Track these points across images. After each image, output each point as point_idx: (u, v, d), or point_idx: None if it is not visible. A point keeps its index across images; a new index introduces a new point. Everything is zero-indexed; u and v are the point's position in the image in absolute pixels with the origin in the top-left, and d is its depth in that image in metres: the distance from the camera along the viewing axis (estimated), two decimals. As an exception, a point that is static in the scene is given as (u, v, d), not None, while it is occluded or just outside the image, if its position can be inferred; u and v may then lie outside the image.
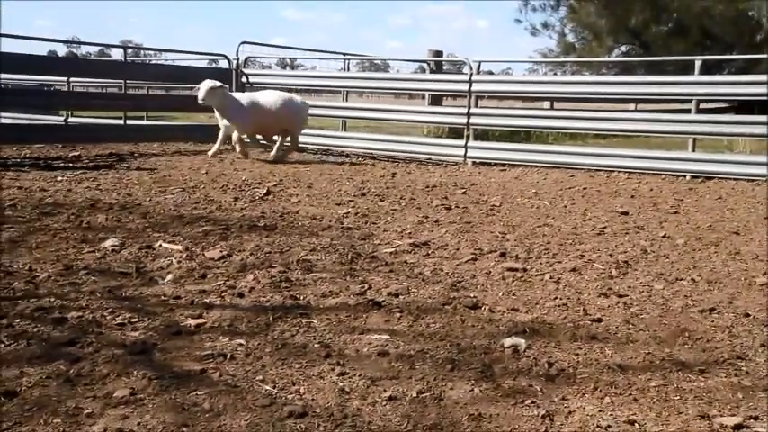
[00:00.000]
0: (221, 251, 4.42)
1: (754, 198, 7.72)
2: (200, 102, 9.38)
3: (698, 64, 9.50)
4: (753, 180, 8.86)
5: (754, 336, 3.20)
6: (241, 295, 3.58)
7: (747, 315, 3.51)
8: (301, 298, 3.57)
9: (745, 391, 2.55)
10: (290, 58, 24.37)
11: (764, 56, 15.93)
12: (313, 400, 2.40)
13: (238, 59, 12.55)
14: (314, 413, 2.29)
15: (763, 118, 9.16)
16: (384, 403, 2.38)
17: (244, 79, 12.58)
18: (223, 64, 12.84)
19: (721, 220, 6.30)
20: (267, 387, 2.48)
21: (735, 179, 8.99)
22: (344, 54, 14.34)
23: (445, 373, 2.67)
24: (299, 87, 13.87)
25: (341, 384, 2.53)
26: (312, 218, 5.76)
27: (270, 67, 19.27)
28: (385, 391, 2.48)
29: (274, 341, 2.94)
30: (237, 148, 9.94)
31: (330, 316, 3.30)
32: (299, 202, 6.59)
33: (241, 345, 2.88)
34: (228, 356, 2.75)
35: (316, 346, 2.90)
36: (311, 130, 12.98)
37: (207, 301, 3.47)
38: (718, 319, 3.45)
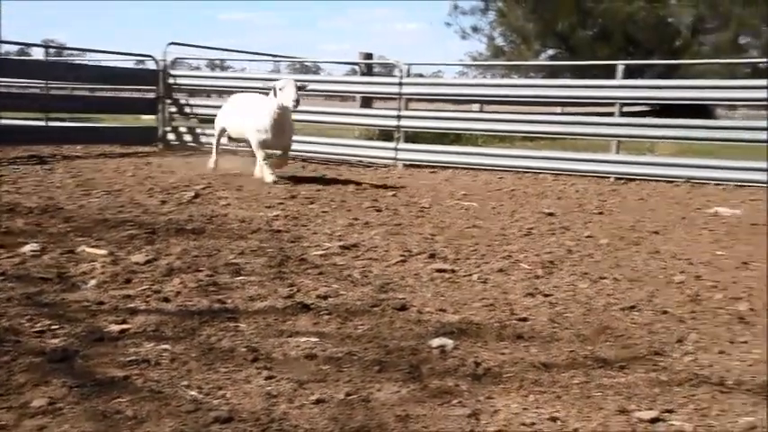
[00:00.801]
0: (147, 255, 4.33)
1: (674, 199, 7.97)
2: (296, 106, 7.70)
3: (621, 68, 9.76)
4: (672, 181, 9.14)
5: (671, 332, 3.31)
6: (167, 300, 3.51)
7: (666, 312, 3.62)
8: (229, 302, 3.53)
9: (662, 386, 2.63)
10: (219, 60, 24.05)
11: (683, 61, 16.52)
12: (239, 404, 2.37)
13: (165, 60, 12.34)
14: (240, 418, 2.27)
15: (682, 121, 9.48)
16: (311, 406, 2.38)
17: (171, 80, 12.37)
18: (150, 65, 12.58)
19: (642, 220, 6.48)
20: (192, 392, 2.45)
21: (656, 180, 9.27)
22: (275, 56, 14.26)
23: (373, 374, 2.68)
24: (229, 89, 13.72)
25: (268, 388, 2.51)
26: (241, 221, 5.70)
27: (199, 69, 19.01)
28: (312, 393, 2.47)
29: (201, 346, 2.90)
30: (269, 176, 8.21)
31: (258, 319, 3.27)
32: (228, 204, 6.51)
33: (166, 350, 2.83)
34: (153, 362, 2.70)
35: (243, 350, 2.87)
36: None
37: (131, 306, 3.40)
38: (638, 317, 3.55)
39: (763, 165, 8.88)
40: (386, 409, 2.38)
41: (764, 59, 18.64)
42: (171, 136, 12.47)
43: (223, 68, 27.88)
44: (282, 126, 8.10)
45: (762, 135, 9.15)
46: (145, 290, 3.65)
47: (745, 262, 4.80)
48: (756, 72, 18.03)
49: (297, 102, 7.63)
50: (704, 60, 18.04)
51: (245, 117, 8.41)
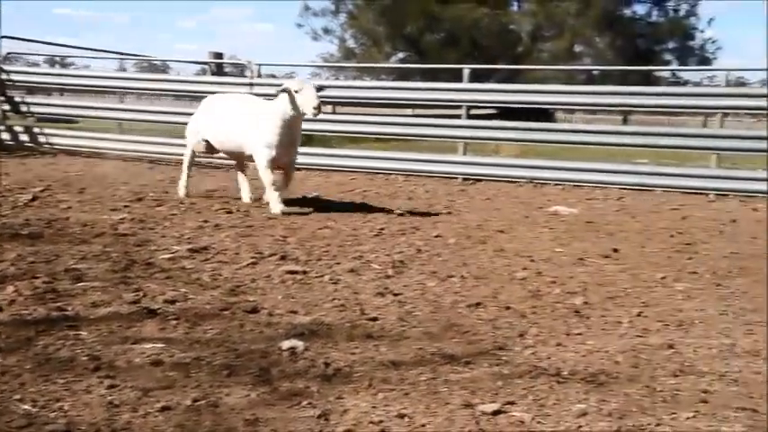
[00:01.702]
0: (-23, 262, 4.06)
1: (518, 198, 8.33)
2: (317, 114, 6.31)
3: (467, 72, 10.09)
4: (516, 182, 9.55)
5: (514, 327, 3.45)
6: (-1, 309, 3.31)
7: (509, 308, 3.77)
8: (69, 309, 3.36)
9: (504, 379, 2.74)
10: (59, 56, 22.88)
11: (525, 67, 17.31)
12: (78, 416, 2.27)
13: (-3, 55, 11.59)
14: (78, 430, 2.17)
15: (524, 124, 9.92)
16: (156, 414, 2.31)
17: (4, 76, 11.63)
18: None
19: (489, 219, 6.72)
20: (26, 406, 2.31)
21: (501, 181, 9.64)
22: (121, 53, 13.72)
23: (222, 379, 2.63)
24: (71, 87, 13.09)
25: (110, 397, 2.41)
26: (83, 224, 5.44)
27: (38, 65, 18.03)
28: (158, 401, 2.39)
29: (36, 356, 2.74)
30: (277, 205, 6.52)
31: (101, 327, 3.14)
32: (70, 208, 6.21)
33: (-3, 363, 2.66)
34: (-18, 376, 2.53)
35: (84, 359, 2.75)
36: (84, 132, 12.31)
37: (-41, 317, 3.17)
38: (483, 313, 3.68)
39: (592, 166, 9.48)
40: (235, 413, 2.35)
41: (596, 67, 19.84)
42: (5, 135, 11.73)
43: (64, 65, 26.56)
44: (294, 139, 6.67)
45: (597, 138, 9.78)
46: (-26, 299, 3.42)
47: (580, 258, 5.08)
48: (590, 79, 19.18)
49: (319, 109, 6.24)
50: (544, 66, 18.94)
51: (245, 127, 6.73)
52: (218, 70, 12.76)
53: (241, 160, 7.24)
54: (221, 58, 13.06)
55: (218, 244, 5.02)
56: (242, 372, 2.71)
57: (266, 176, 6.54)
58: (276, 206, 6.47)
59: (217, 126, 7.04)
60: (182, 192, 7.32)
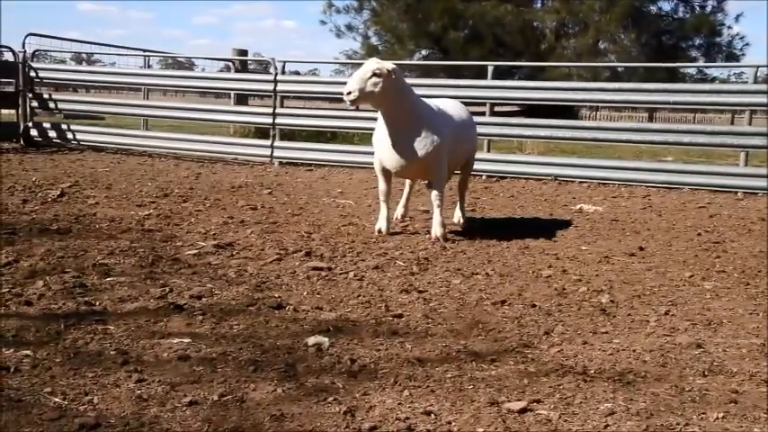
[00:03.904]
0: (7, 257, 4.11)
1: (542, 196, 8.28)
2: (351, 101, 5.01)
3: (490, 69, 10.05)
4: (540, 179, 9.49)
5: (539, 324, 3.44)
6: (29, 303, 3.34)
7: (534, 305, 3.75)
8: (97, 304, 3.40)
9: (530, 377, 2.73)
10: (86, 53, 23.09)
11: (548, 63, 17.19)
12: (108, 409, 2.29)
13: (25, 52, 11.70)
14: (108, 423, 2.18)
15: (548, 121, 9.86)
16: (184, 408, 2.32)
17: (33, 74, 11.76)
18: (8, 57, 11.91)
19: (513, 216, 6.69)
20: (56, 399, 2.34)
21: (525, 178, 9.60)
22: (145, 51, 13.80)
23: (248, 374, 2.64)
24: (97, 84, 13.20)
25: (138, 392, 2.43)
26: (111, 220, 5.50)
27: (64, 62, 18.17)
28: (185, 396, 2.41)
29: (66, 350, 2.77)
30: (441, 234, 5.44)
31: (128, 321, 3.17)
32: (97, 203, 6.27)
33: (28, 356, 2.69)
34: (13, 369, 2.56)
35: (112, 353, 2.77)
36: (110, 129, 12.44)
37: (-11, 311, 3.21)
38: (508, 311, 3.67)
39: (618, 164, 9.40)
40: (261, 408, 2.36)
41: (621, 64, 19.66)
42: (33, 132, 11.87)
43: (90, 62, 26.79)
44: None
45: (623, 135, 9.70)
46: (4, 293, 3.46)
47: (606, 256, 5.04)
48: (615, 75, 19.01)
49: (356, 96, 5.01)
50: (568, 63, 18.82)
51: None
52: (243, 67, 12.82)
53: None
54: (245, 55, 13.11)
55: (243, 240, 5.05)
56: (268, 367, 2.72)
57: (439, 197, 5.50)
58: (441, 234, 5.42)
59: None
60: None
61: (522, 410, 2.41)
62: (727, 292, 4.17)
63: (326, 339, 3.04)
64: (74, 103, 12.80)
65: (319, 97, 13.57)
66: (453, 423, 2.32)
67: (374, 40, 24.88)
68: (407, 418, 2.34)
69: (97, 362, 2.68)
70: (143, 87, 12.32)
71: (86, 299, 3.45)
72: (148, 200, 6.59)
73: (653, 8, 22.97)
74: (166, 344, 2.91)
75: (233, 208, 6.45)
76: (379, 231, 5.54)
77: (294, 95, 12.26)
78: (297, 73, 17.94)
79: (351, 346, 3.01)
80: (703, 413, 2.43)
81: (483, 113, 10.22)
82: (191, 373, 2.63)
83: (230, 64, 12.86)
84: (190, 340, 2.97)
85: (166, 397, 2.40)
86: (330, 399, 2.46)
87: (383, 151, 5.43)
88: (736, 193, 8.68)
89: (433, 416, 2.37)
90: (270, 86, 10.97)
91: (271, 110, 10.99)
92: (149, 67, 12.40)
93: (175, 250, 4.63)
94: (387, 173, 5.55)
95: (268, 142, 10.99)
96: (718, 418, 2.40)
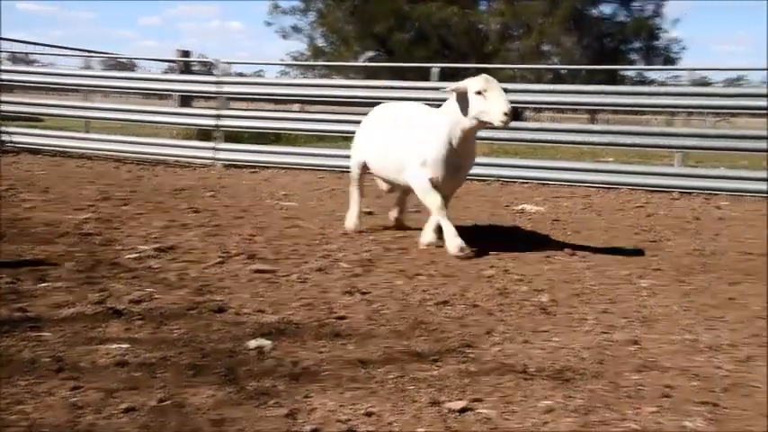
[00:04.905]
0: (-63, 263, 3.99)
1: (485, 196, 8.36)
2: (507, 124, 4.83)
3: (435, 71, 10.12)
4: (484, 180, 9.58)
5: (481, 324, 3.47)
6: (-41, 311, 3.25)
7: (476, 305, 3.79)
8: (31, 310, 3.31)
9: (471, 377, 2.75)
10: (23, 53, 22.51)
11: (493, 65, 17.38)
12: (41, 418, 2.23)
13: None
14: (41, 433, 2.14)
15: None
16: (120, 415, 2.28)
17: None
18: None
19: (457, 217, 6.73)
20: (-13, 409, 2.27)
21: (470, 179, 9.64)
22: (88, 51, 13.55)
23: (188, 379, 2.61)
24: (35, 85, 12.90)
25: (73, 399, 2.37)
26: (47, 224, 5.37)
27: (-1, 62, 17.68)
28: (122, 402, 2.36)
29: (-2, 359, 2.70)
30: (455, 244, 5.03)
31: (64, 328, 3.10)
32: (33, 207, 6.12)
33: (-43, 365, 2.61)
34: (-59, 379, 2.48)
35: (46, 360, 2.71)
36: (48, 131, 12.17)
37: None
38: (451, 311, 3.69)
39: (560, 164, 9.55)
40: (200, 413, 2.33)
41: (564, 66, 20.01)
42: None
43: (28, 63, 26.12)
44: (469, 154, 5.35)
45: (564, 137, 9.86)
46: (-66, 301, 3.36)
47: (547, 256, 5.12)
48: (557, 77, 19.34)
49: (511, 116, 4.80)
50: (512, 65, 19.06)
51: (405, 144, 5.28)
52: (186, 68, 12.67)
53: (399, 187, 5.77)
54: (189, 56, 12.96)
55: (185, 243, 4.99)
56: (208, 372, 2.69)
57: (437, 207, 5.16)
58: (454, 245, 5.00)
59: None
60: (351, 223, 5.85)
61: (463, 410, 2.43)
62: (662, 290, 4.27)
63: (269, 342, 3.02)
64: (10, 104, 12.47)
65: (264, 99, 13.52)
66: (394, 424, 2.32)
67: (320, 42, 24.87)
68: (349, 420, 2.34)
69: (30, 369, 2.61)
70: (83, 88, 12.08)
71: (20, 305, 3.36)
72: (87, 203, 6.46)
73: (594, 11, 23.47)
74: (104, 350, 2.86)
75: (175, 211, 6.37)
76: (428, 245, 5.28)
77: (239, 97, 12.15)
78: (241, 74, 17.79)
79: (293, 349, 2.99)
80: (638, 408, 2.49)
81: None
82: (128, 378, 2.58)
83: (174, 65, 12.69)
84: (128, 345, 2.92)
85: (102, 404, 2.35)
86: (271, 402, 2.45)
87: (443, 169, 5.10)
88: (672, 192, 8.90)
89: (374, 417, 2.37)
90: (213, 88, 10.87)
91: (215, 111, 10.90)
92: (90, 67, 12.17)
93: (115, 254, 4.55)
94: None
95: (211, 144, 10.89)
96: (652, 413, 2.45)
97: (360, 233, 5.70)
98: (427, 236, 5.30)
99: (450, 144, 5.04)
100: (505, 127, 4.97)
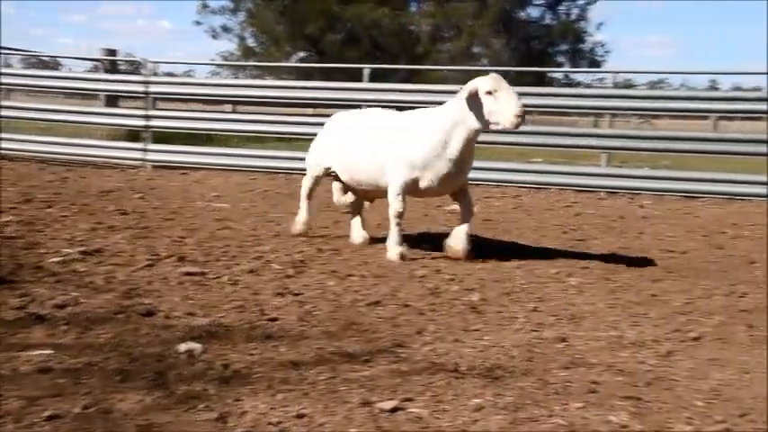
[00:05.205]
0: None
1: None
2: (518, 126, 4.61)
3: (366, 72, 10.14)
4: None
5: (412, 324, 3.49)
6: None
7: (407, 305, 3.81)
8: (-51, 317, 3.20)
9: (402, 376, 2.77)
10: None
11: (424, 67, 17.53)
12: (-41, 429, 2.16)
13: None
14: (-41, 444, 2.06)
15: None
16: (43, 424, 2.21)
17: None
18: None
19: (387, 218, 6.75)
20: None
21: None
22: (6, 49, 13.12)
23: (115, 384, 2.55)
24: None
25: (-7, 409, 2.30)
26: (-34, 227, 5.18)
27: None
28: (45, 410, 2.30)
29: None
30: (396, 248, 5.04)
31: (-16, 335, 2.99)
32: (-49, 210, 5.90)
33: None
34: None
35: (-35, 369, 2.62)
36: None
37: None
38: (382, 311, 3.70)
39: (491, 164, 9.68)
40: (128, 419, 2.28)
41: (493, 68, 20.31)
42: None
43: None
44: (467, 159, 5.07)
45: (494, 137, 9.99)
46: None
47: (478, 256, 5.17)
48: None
49: (523, 118, 4.60)
50: (443, 67, 19.24)
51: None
52: (112, 68, 12.38)
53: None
54: (114, 55, 12.67)
55: (112, 246, 4.87)
56: (136, 376, 2.63)
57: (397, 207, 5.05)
58: (395, 249, 5.01)
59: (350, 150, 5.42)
60: (299, 226, 5.72)
61: (394, 409, 2.44)
62: (589, 288, 4.37)
63: (199, 345, 2.98)
64: None
65: (195, 99, 13.33)
66: (326, 425, 2.32)
67: (250, 42, 24.66)
68: (280, 422, 2.32)
69: (-52, 378, 2.52)
70: (2, 87, 11.70)
71: (-63, 312, 3.24)
72: (8, 206, 6.25)
73: (522, 14, 23.88)
74: (25, 356, 2.77)
75: (102, 213, 6.22)
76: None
77: (168, 97, 11.94)
78: (171, 74, 17.50)
79: (224, 352, 2.96)
80: (565, 404, 2.54)
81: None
82: (52, 385, 2.51)
83: (99, 64, 12.39)
84: (52, 351, 2.83)
85: (23, 412, 2.28)
86: (201, 406, 2.41)
87: (437, 170, 4.94)
88: (599, 192, 9.12)
89: (306, 419, 2.36)
90: (141, 87, 10.66)
91: (143, 112, 10.69)
92: (9, 66, 11.80)
93: (38, 258, 4.42)
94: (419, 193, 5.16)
95: (140, 145, 10.68)
96: (578, 408, 2.51)
97: (293, 235, 5.65)
98: (460, 242, 5.02)
99: (445, 146, 4.86)
100: (516, 130, 4.78)
